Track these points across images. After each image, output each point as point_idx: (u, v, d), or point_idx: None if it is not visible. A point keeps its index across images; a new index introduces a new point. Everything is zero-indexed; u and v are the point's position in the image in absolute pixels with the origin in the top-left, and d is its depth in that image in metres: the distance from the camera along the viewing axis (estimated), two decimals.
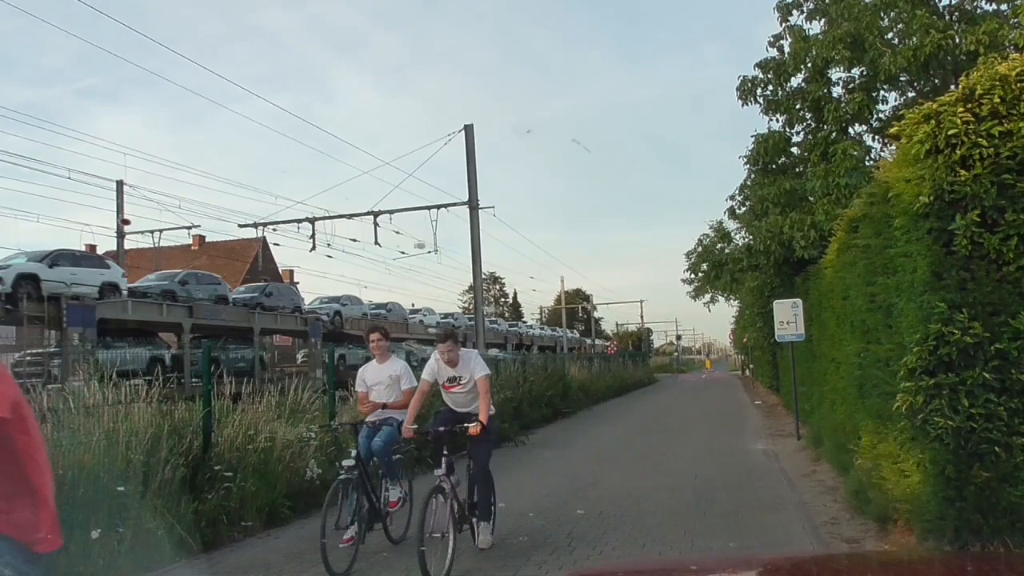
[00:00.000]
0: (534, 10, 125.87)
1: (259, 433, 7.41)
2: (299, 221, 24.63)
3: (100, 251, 38.81)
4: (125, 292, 22.55)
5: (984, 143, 4.53)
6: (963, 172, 4.56)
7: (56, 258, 20.67)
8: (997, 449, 4.38)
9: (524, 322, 57.70)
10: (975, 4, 13.15)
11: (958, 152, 4.59)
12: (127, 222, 27.57)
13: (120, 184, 26.94)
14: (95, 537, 5.13)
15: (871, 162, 12.38)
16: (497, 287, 77.52)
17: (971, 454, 4.43)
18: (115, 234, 28.04)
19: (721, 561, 3.30)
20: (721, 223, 16.55)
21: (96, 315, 20.40)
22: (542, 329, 56.38)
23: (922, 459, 4.74)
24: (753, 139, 14.50)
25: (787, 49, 14.22)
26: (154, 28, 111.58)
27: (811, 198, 13.03)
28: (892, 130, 5.22)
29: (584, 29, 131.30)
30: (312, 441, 8.13)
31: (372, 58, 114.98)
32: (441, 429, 5.65)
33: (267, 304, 27.45)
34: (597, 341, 68.85)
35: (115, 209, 27.45)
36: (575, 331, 66.69)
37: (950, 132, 4.59)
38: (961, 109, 4.61)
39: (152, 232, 28.64)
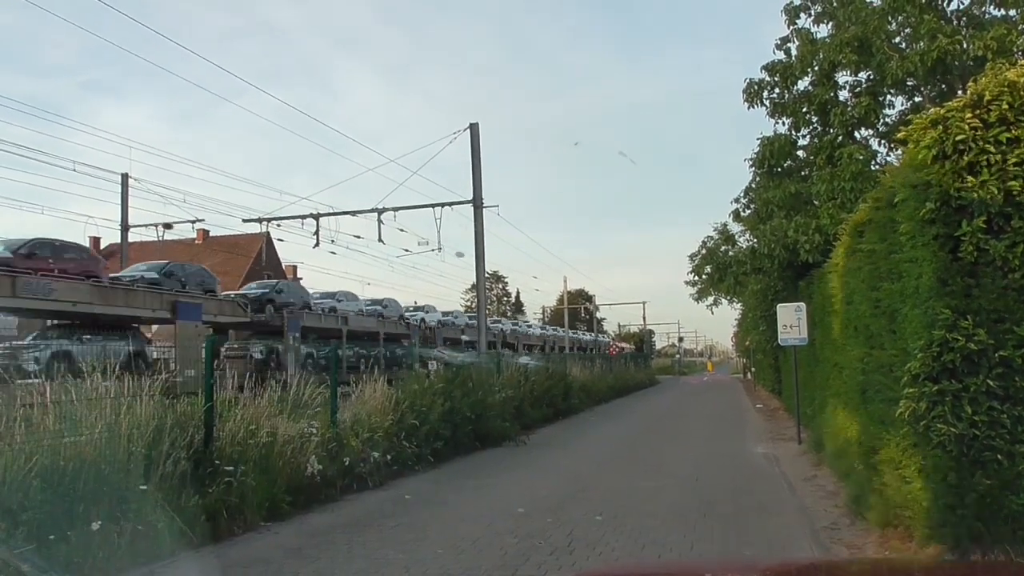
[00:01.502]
0: (539, 9, 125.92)
1: (260, 428, 7.42)
2: (303, 217, 24.69)
3: (104, 244, 38.98)
4: None
5: (992, 149, 4.52)
6: (970, 178, 4.55)
7: None
8: (1000, 457, 4.37)
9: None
10: (983, 9, 13.11)
11: (965, 158, 4.57)
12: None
13: (125, 177, 27.01)
14: (95, 529, 5.15)
15: (877, 167, 12.37)
16: (500, 286, 77.51)
17: (973, 461, 4.42)
18: (119, 227, 28.14)
19: (725, 565, 3.30)
20: (725, 225, 16.55)
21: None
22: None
23: (924, 465, 4.73)
24: (759, 142, 14.50)
25: (794, 52, 14.22)
26: (157, 21, 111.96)
27: (816, 202, 13.02)
28: (899, 135, 5.21)
29: (588, 29, 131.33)
30: (313, 437, 8.14)
31: (376, 55, 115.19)
32: None
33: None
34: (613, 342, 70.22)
35: (120, 202, 27.54)
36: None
37: (958, 138, 4.58)
38: (969, 115, 4.60)
39: (156, 226, 28.70)
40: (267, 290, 26.33)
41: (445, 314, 39.47)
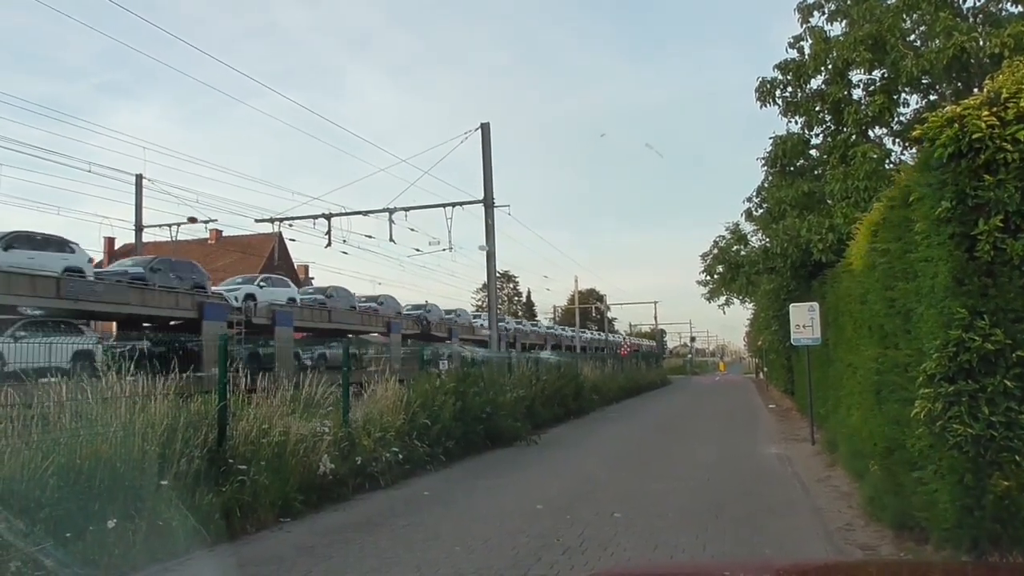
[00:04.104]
0: (548, 10, 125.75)
1: (273, 427, 7.47)
2: (315, 217, 24.85)
3: (118, 244, 39.34)
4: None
5: (1009, 147, 4.47)
6: (987, 177, 4.50)
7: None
8: (1017, 458, 4.32)
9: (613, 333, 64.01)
10: (1000, 6, 12.96)
11: (982, 156, 4.53)
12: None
13: (139, 178, 27.28)
14: (111, 526, 5.19)
15: (891, 165, 12.26)
16: (511, 286, 77.57)
17: (991, 462, 4.37)
18: (133, 227, 28.42)
19: (738, 566, 3.28)
20: (737, 225, 16.44)
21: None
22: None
23: (940, 467, 4.68)
24: (771, 140, 14.42)
25: (807, 50, 14.11)
26: (170, 23, 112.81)
27: (829, 201, 12.92)
28: (914, 133, 5.15)
29: (596, 30, 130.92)
30: (325, 436, 8.17)
31: (387, 55, 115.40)
32: None
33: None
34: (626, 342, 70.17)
35: (134, 203, 27.84)
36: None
37: (974, 136, 4.53)
38: (986, 113, 4.55)
39: (170, 226, 29.01)
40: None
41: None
